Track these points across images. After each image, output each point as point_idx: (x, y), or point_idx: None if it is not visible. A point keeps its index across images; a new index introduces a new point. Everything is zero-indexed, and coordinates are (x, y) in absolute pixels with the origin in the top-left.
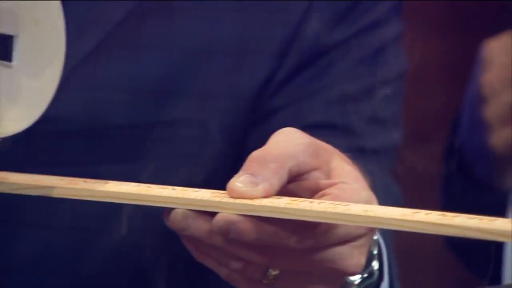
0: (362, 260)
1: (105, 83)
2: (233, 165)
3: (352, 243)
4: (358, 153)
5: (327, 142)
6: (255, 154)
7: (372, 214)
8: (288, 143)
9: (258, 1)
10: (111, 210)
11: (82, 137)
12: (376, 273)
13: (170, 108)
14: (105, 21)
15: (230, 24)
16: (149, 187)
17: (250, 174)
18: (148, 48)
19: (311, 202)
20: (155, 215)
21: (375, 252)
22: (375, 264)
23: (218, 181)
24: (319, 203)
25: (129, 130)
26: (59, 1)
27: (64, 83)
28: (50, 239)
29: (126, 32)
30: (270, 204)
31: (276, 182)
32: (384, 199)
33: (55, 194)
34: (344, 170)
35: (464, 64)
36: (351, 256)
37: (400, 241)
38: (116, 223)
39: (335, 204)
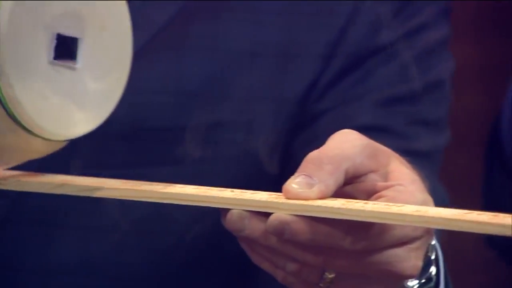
0: (419, 263)
1: (149, 85)
2: (278, 168)
3: (409, 246)
4: (405, 155)
5: None
6: (312, 155)
7: (423, 214)
8: (345, 145)
9: (304, 5)
10: (153, 214)
11: (125, 139)
12: (434, 279)
13: (214, 110)
14: (151, 23)
15: (275, 27)
16: (209, 189)
17: (306, 175)
18: (193, 51)
19: (365, 203)
20: (195, 219)
21: (433, 257)
22: (433, 270)
23: (263, 184)
24: (373, 204)
25: (173, 132)
26: (127, 8)
27: None
28: (93, 242)
29: (171, 34)
30: (324, 205)
31: (332, 183)
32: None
33: (117, 196)
34: (401, 173)
35: (504, 63)
36: (408, 259)
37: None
38: (159, 226)
39: (389, 205)
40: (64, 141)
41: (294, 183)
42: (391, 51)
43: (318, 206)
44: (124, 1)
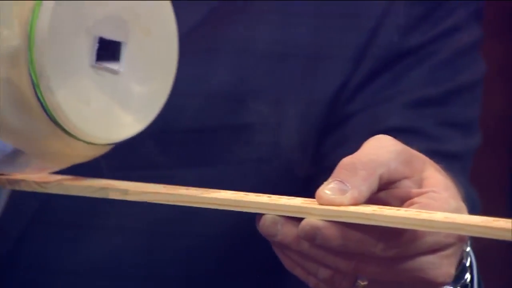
0: (452, 270)
1: (178, 87)
2: (308, 169)
3: (441, 253)
4: (435, 157)
5: None
6: (345, 160)
7: (451, 221)
8: (380, 150)
9: (334, 7)
10: (179, 215)
11: (154, 140)
12: (469, 286)
13: (244, 112)
14: (180, 24)
15: (305, 29)
16: (246, 194)
17: (339, 181)
18: (223, 52)
19: (397, 209)
20: (221, 219)
21: (468, 264)
22: (468, 277)
23: (293, 186)
24: (405, 211)
25: (202, 134)
26: (172, 12)
27: None
28: (121, 242)
29: (200, 35)
30: (355, 210)
31: (365, 189)
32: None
33: (157, 200)
34: (436, 179)
35: None
36: (440, 266)
37: None
38: (185, 227)
39: (420, 212)
40: (109, 145)
41: (327, 189)
42: (422, 53)
43: (349, 212)
44: (170, 5)
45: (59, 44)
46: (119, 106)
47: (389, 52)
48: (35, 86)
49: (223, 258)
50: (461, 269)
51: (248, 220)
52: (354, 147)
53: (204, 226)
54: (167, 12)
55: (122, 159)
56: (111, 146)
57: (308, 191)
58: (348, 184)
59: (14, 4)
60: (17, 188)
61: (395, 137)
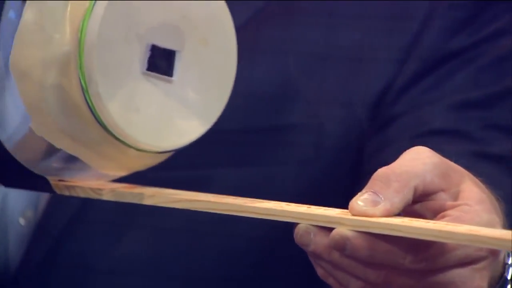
0: (484, 284)
1: None
2: (351, 171)
3: (473, 266)
4: (478, 159)
5: (448, 148)
6: (380, 172)
7: (474, 233)
8: (415, 162)
9: (378, 9)
10: (222, 215)
11: (196, 141)
12: None
13: (286, 113)
14: None
15: (348, 31)
16: (288, 205)
17: (372, 192)
18: (266, 53)
19: (426, 222)
20: (264, 220)
21: (509, 277)
22: None
23: (334, 188)
24: (433, 223)
25: (243, 134)
26: (231, 21)
27: None
28: (161, 241)
29: (245, 36)
30: (383, 221)
31: (398, 201)
32: (507, 206)
33: (201, 208)
34: (471, 193)
35: None
36: (472, 279)
37: None
38: (227, 227)
39: (447, 224)
40: (165, 153)
41: (360, 200)
42: (466, 56)
43: (377, 223)
44: (229, 15)
45: (109, 49)
46: (172, 114)
47: (433, 54)
48: (84, 91)
49: (263, 260)
50: (502, 283)
51: (288, 224)
52: (398, 150)
53: (246, 227)
54: (226, 22)
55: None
56: (168, 155)
57: (352, 194)
58: (381, 196)
59: (66, 9)
60: (73, 194)
61: (438, 139)
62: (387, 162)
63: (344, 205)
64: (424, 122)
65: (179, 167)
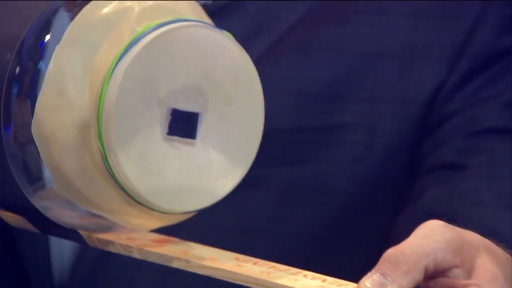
0: None
1: (274, 85)
2: (404, 170)
3: None
4: None
5: (501, 147)
6: (389, 252)
7: None
8: (427, 239)
9: (430, 6)
10: (274, 214)
11: None
12: None
13: (338, 112)
14: (278, 23)
15: (401, 29)
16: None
17: (380, 274)
18: (319, 52)
19: None
20: (315, 221)
21: None
22: None
23: (386, 187)
24: None
25: (296, 133)
26: (257, 78)
27: None
28: (213, 241)
29: (297, 35)
30: None
31: (406, 283)
32: None
33: (229, 278)
34: (484, 270)
35: None
36: None
37: None
38: (279, 226)
39: None
40: (189, 213)
41: (368, 282)
42: None
43: None
44: (255, 71)
45: (127, 117)
46: (195, 176)
47: (486, 52)
48: (104, 159)
49: (315, 259)
50: None
51: (344, 224)
52: (452, 149)
53: (299, 226)
54: (252, 79)
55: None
56: (195, 213)
57: (406, 193)
58: (389, 278)
59: (87, 75)
60: (105, 248)
61: (492, 138)
62: (442, 162)
63: (396, 204)
64: (477, 121)
65: None
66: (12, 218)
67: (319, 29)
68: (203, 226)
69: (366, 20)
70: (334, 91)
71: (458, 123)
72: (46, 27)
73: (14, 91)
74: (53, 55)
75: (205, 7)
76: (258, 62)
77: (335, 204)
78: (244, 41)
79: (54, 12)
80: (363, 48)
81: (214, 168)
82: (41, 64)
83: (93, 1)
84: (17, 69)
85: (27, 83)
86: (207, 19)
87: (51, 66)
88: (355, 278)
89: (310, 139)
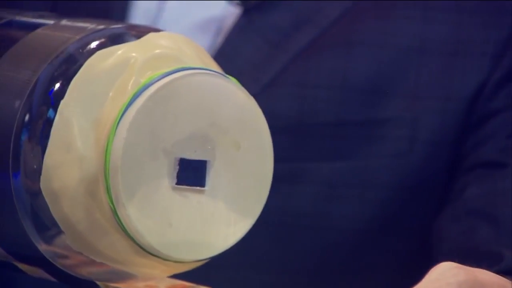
0: None
1: (316, 80)
2: (446, 166)
3: None
4: None
5: None
6: None
7: None
8: (439, 283)
9: (474, 3)
10: (314, 209)
11: (290, 133)
12: None
13: (380, 107)
14: (321, 18)
15: (444, 25)
16: None
17: None
18: (361, 46)
19: None
20: (357, 216)
21: None
22: None
23: (428, 182)
24: None
25: (338, 128)
26: (264, 121)
27: (275, 79)
28: (256, 235)
29: (340, 30)
30: None
31: None
32: None
33: None
34: None
35: None
36: None
37: None
38: (320, 221)
39: None
40: (201, 260)
41: None
42: None
43: None
44: (261, 113)
45: (134, 170)
46: (206, 224)
47: None
48: (113, 213)
49: (359, 253)
50: None
51: (385, 219)
52: (495, 147)
53: (343, 220)
54: (259, 122)
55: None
56: (208, 259)
57: (448, 189)
58: None
59: (93, 128)
60: None
61: None
62: (483, 160)
63: (437, 199)
64: None
65: (274, 160)
66: (30, 269)
67: (362, 24)
68: None
69: (408, 15)
70: (377, 85)
71: (501, 121)
72: (57, 73)
73: (24, 137)
74: (59, 109)
75: (247, 3)
76: (301, 56)
77: (376, 199)
78: (288, 35)
79: (67, 57)
80: (406, 43)
81: (225, 214)
82: (51, 113)
83: (97, 53)
84: (27, 116)
85: (37, 130)
86: (212, 64)
87: (57, 119)
88: (395, 274)
89: (353, 133)
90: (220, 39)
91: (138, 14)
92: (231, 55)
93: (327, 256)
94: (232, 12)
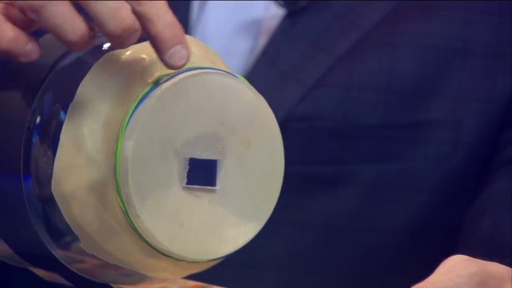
0: None
1: (360, 82)
2: (484, 167)
3: None
4: None
5: None
6: None
7: None
8: (450, 275)
9: None
10: (358, 210)
11: (336, 135)
12: None
13: (424, 109)
14: (364, 21)
15: (486, 26)
16: None
17: None
18: (404, 48)
19: None
20: (400, 217)
21: None
22: None
23: (469, 183)
24: None
25: (383, 130)
26: (274, 118)
27: (320, 81)
28: (300, 236)
29: (382, 32)
30: None
31: None
32: None
33: None
34: None
35: None
36: None
37: None
38: (363, 223)
39: None
40: (214, 260)
41: None
42: None
43: None
44: (270, 111)
45: (144, 171)
46: (217, 223)
47: None
48: (125, 214)
49: (402, 254)
50: None
51: (429, 220)
52: None
53: (386, 221)
54: (268, 120)
55: (300, 153)
56: (222, 259)
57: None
58: None
59: (102, 130)
60: None
61: None
62: None
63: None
64: None
65: (317, 162)
66: (46, 274)
67: (404, 26)
68: (287, 222)
69: (452, 17)
70: (420, 87)
71: None
72: (67, 75)
73: (34, 139)
74: (68, 113)
75: (290, 6)
76: (344, 59)
77: (420, 200)
78: (331, 38)
79: (77, 59)
80: (449, 45)
81: (236, 214)
82: (62, 115)
83: (104, 56)
84: (38, 118)
85: (49, 132)
86: (221, 64)
87: (66, 122)
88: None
89: (398, 136)
90: (261, 41)
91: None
92: (274, 58)
93: (371, 258)
94: (274, 14)
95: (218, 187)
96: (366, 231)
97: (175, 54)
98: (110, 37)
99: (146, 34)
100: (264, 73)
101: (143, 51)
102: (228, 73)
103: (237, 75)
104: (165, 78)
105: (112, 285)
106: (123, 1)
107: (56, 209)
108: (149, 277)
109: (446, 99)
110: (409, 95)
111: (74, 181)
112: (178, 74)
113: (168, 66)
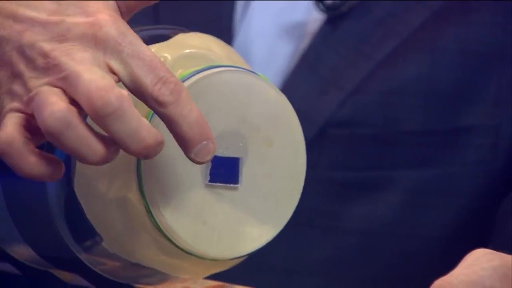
0: None
1: (400, 87)
2: None
3: None
4: None
5: None
6: (437, 284)
7: None
8: (474, 268)
9: None
10: (398, 217)
11: (376, 141)
12: None
13: (463, 114)
14: (404, 26)
15: None
16: None
17: None
18: (443, 53)
19: None
20: (442, 223)
21: None
22: None
23: (509, 187)
24: None
25: (423, 136)
26: (295, 116)
27: (360, 87)
28: (339, 242)
29: (422, 37)
30: None
31: None
32: None
33: None
34: None
35: None
36: None
37: None
38: (403, 229)
39: None
40: (237, 258)
41: None
42: None
43: None
44: (292, 110)
45: (168, 169)
46: (240, 221)
47: None
48: (148, 212)
49: (440, 260)
50: None
51: (469, 226)
52: None
53: (425, 228)
54: (290, 118)
55: (339, 158)
56: (245, 257)
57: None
58: None
59: None
60: None
61: None
62: None
63: None
64: None
65: (359, 168)
66: (67, 276)
67: (444, 31)
68: (328, 228)
69: (490, 22)
70: (459, 93)
71: None
72: None
73: None
74: None
75: (332, 10)
76: (384, 64)
77: (459, 206)
78: (370, 44)
79: None
80: (487, 50)
81: (259, 212)
82: None
83: None
84: None
85: None
86: (242, 63)
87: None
88: None
89: (437, 141)
90: (302, 45)
91: (222, 12)
92: (314, 63)
93: (410, 264)
94: (315, 18)
95: (240, 185)
96: (406, 237)
97: (202, 150)
98: (134, 155)
99: (171, 132)
100: (305, 78)
101: (166, 50)
102: (250, 71)
103: (258, 73)
104: (187, 76)
105: (135, 285)
106: (142, 118)
107: (79, 209)
108: (171, 277)
109: (484, 104)
110: (448, 100)
111: (96, 181)
112: (200, 72)
113: (195, 162)
